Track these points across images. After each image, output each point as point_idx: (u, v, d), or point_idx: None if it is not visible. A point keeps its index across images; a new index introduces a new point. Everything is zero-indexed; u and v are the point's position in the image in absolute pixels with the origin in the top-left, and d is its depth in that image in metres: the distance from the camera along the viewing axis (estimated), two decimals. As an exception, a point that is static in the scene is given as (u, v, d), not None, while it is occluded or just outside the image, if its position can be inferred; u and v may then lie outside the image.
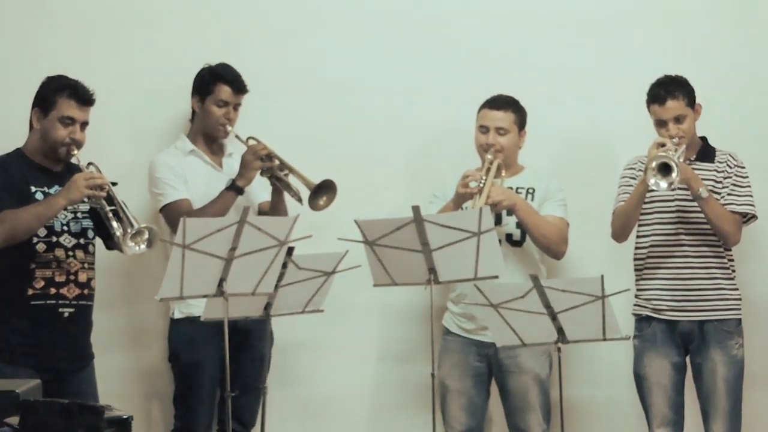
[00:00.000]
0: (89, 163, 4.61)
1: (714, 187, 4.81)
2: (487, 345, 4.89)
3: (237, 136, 5.00)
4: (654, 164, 4.57)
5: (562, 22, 5.41)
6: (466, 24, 5.41)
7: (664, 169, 4.58)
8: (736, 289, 4.87)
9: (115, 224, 4.50)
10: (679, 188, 4.72)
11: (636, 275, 4.92)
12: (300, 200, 4.89)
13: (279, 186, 4.93)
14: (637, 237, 4.92)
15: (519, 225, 4.92)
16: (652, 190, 4.66)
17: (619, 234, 4.91)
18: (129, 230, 4.46)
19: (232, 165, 4.97)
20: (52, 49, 5.20)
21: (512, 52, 5.39)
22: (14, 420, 3.37)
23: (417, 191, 5.13)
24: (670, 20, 5.39)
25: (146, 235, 4.48)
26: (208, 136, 5.04)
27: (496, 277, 4.51)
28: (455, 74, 5.37)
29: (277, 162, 4.90)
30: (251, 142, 4.96)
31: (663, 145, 4.68)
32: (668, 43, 5.35)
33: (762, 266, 5.24)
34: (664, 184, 4.58)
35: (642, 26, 5.39)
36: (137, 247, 4.48)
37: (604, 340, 4.44)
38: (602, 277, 4.32)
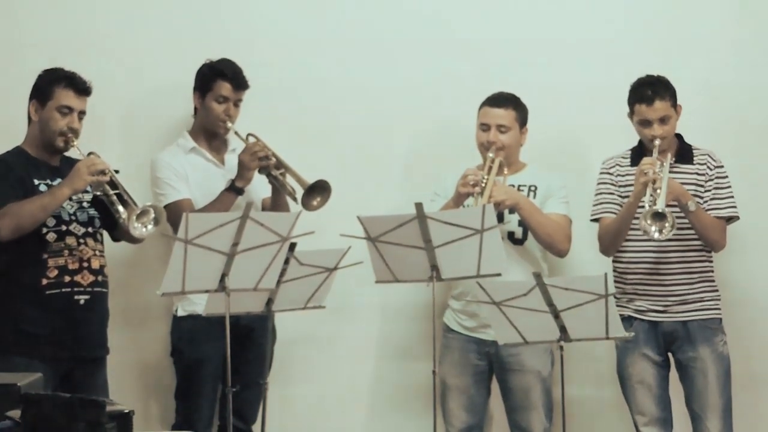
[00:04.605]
0: (90, 153, 4.61)
1: (696, 190, 4.81)
2: (488, 343, 4.88)
3: (236, 133, 4.99)
4: (648, 221, 4.56)
5: (562, 20, 5.41)
6: (467, 22, 5.40)
7: (658, 216, 4.57)
8: (717, 291, 4.88)
9: (120, 208, 4.50)
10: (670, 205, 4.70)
11: (616, 277, 4.89)
12: (295, 199, 4.89)
13: (276, 184, 4.92)
14: None
15: (521, 223, 4.92)
16: (642, 206, 4.65)
17: (609, 249, 4.91)
18: (134, 212, 4.44)
19: (235, 160, 4.95)
20: (52, 48, 5.18)
21: (513, 49, 5.39)
22: (16, 413, 3.36)
23: (418, 188, 5.12)
24: (671, 18, 5.38)
25: (152, 215, 4.47)
26: (209, 132, 5.03)
27: (499, 274, 4.50)
28: (456, 72, 5.37)
29: (273, 161, 4.89)
30: (251, 140, 4.95)
31: (646, 173, 4.66)
32: (669, 41, 5.35)
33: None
34: (666, 231, 4.57)
35: (643, 25, 5.39)
36: (144, 228, 4.48)
37: (607, 338, 4.44)
38: (606, 275, 4.31)
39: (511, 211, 4.88)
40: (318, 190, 4.83)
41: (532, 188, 4.98)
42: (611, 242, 4.87)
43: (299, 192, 4.86)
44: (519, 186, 4.97)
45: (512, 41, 5.39)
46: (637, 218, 4.68)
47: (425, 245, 4.48)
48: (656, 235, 4.60)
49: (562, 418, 4.50)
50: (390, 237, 4.51)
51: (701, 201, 4.81)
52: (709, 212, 4.81)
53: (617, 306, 4.83)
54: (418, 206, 4.44)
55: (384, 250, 4.55)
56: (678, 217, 4.74)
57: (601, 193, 4.94)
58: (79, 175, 4.47)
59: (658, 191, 4.61)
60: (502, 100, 5.00)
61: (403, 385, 5.31)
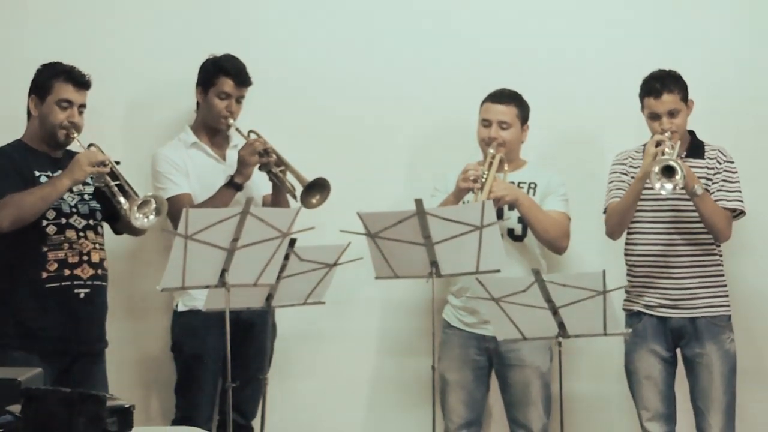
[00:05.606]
0: (90, 144, 4.62)
1: (705, 183, 4.82)
2: (487, 339, 4.89)
3: (237, 130, 5.00)
4: (657, 168, 4.58)
5: (562, 18, 5.42)
6: (470, 17, 5.41)
7: (668, 172, 4.58)
8: (725, 287, 4.89)
9: (122, 199, 4.50)
10: None
11: (628, 271, 4.92)
12: (295, 197, 4.90)
13: (276, 182, 4.93)
14: (629, 234, 4.93)
15: (520, 220, 4.93)
16: (649, 188, 4.67)
17: (614, 231, 4.92)
18: (135, 202, 4.45)
19: (236, 157, 4.94)
20: (54, 42, 5.18)
21: (514, 46, 5.40)
22: (16, 408, 3.37)
23: (419, 184, 5.14)
24: (670, 16, 5.40)
25: (153, 205, 4.47)
26: (211, 127, 5.04)
27: (498, 271, 4.51)
28: (458, 68, 5.38)
29: (273, 157, 4.89)
30: (252, 136, 4.95)
31: (659, 143, 4.69)
32: (668, 39, 5.36)
33: (749, 263, 5.26)
34: (669, 186, 4.59)
35: (641, 22, 5.40)
36: (146, 219, 4.48)
37: (605, 335, 4.45)
38: (603, 272, 4.32)
39: (511, 208, 4.89)
40: (317, 188, 4.84)
41: (532, 185, 5.00)
42: (618, 222, 4.88)
43: (299, 189, 4.87)
44: (519, 183, 4.98)
45: (515, 39, 5.40)
46: (648, 189, 4.69)
47: (425, 241, 4.49)
48: (663, 192, 4.59)
49: (560, 414, 4.53)
50: (390, 233, 4.51)
51: (709, 193, 4.82)
52: (715, 202, 4.82)
53: (627, 300, 4.89)
54: (418, 202, 4.45)
55: (384, 246, 4.55)
56: (685, 210, 4.77)
57: (612, 182, 4.95)
58: (79, 165, 4.47)
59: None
60: (503, 96, 5.01)
61: (403, 380, 5.32)
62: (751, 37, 5.39)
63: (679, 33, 5.37)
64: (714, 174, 4.86)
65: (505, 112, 4.98)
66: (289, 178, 4.91)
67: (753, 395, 5.18)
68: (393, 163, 5.39)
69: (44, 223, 4.52)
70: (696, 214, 4.79)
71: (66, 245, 4.55)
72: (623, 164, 4.95)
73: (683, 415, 4.95)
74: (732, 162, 4.89)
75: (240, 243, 4.28)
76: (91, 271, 4.59)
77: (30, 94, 4.65)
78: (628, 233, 4.93)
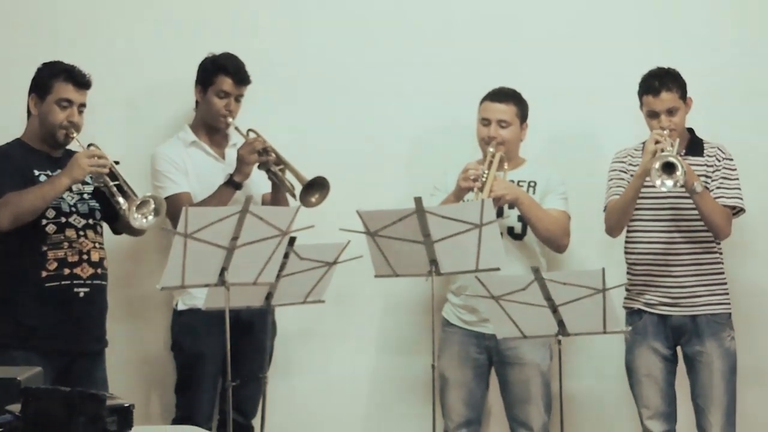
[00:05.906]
0: (90, 144, 4.61)
1: (704, 181, 4.82)
2: (487, 337, 4.89)
3: (236, 128, 5.00)
4: (657, 165, 4.58)
5: (561, 16, 5.42)
6: (468, 18, 5.42)
7: (668, 168, 4.59)
8: (725, 284, 4.90)
9: (121, 200, 4.50)
10: None
11: (628, 269, 4.93)
12: (294, 196, 4.90)
13: (275, 180, 4.93)
14: (629, 232, 4.93)
15: (520, 218, 4.93)
16: (648, 186, 4.67)
17: (614, 228, 4.92)
18: (134, 202, 4.46)
19: (235, 155, 4.95)
20: (53, 42, 5.19)
21: (514, 45, 5.39)
22: (16, 407, 3.37)
23: (418, 183, 5.12)
24: (669, 15, 5.40)
25: (152, 205, 4.47)
26: (210, 126, 5.04)
27: (498, 269, 4.51)
28: (457, 67, 5.37)
29: (273, 156, 4.89)
30: (251, 135, 4.96)
31: (659, 141, 4.69)
32: (667, 37, 5.36)
33: (749, 261, 5.26)
34: (670, 182, 4.60)
35: (640, 21, 5.40)
36: (144, 219, 4.47)
37: (605, 333, 4.46)
38: (603, 270, 4.33)
39: (511, 206, 4.89)
40: (316, 187, 4.83)
41: (532, 184, 5.00)
42: (617, 220, 4.88)
43: (298, 188, 4.87)
44: (518, 181, 4.99)
45: (514, 38, 5.41)
46: (647, 187, 4.70)
47: (424, 240, 4.49)
48: (664, 188, 4.60)
49: (560, 412, 4.53)
50: (389, 231, 4.52)
51: (709, 191, 4.82)
52: (715, 200, 4.82)
53: (628, 298, 4.89)
54: (417, 201, 4.45)
55: (383, 245, 4.56)
56: (685, 209, 4.77)
57: (611, 179, 4.95)
58: (78, 164, 4.46)
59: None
60: (502, 95, 5.01)
61: (403, 379, 5.32)
62: (751, 36, 5.39)
63: (679, 31, 5.38)
64: (713, 172, 4.87)
65: (504, 110, 4.98)
66: (289, 176, 4.91)
67: (753, 393, 5.19)
68: (393, 162, 5.39)
69: (44, 222, 4.52)
70: (696, 212, 4.79)
71: (66, 244, 4.55)
72: (623, 162, 4.96)
73: (684, 413, 4.95)
74: (731, 159, 4.90)
75: (239, 241, 4.29)
76: (91, 270, 4.59)
77: (30, 93, 4.64)
78: (628, 231, 4.93)
